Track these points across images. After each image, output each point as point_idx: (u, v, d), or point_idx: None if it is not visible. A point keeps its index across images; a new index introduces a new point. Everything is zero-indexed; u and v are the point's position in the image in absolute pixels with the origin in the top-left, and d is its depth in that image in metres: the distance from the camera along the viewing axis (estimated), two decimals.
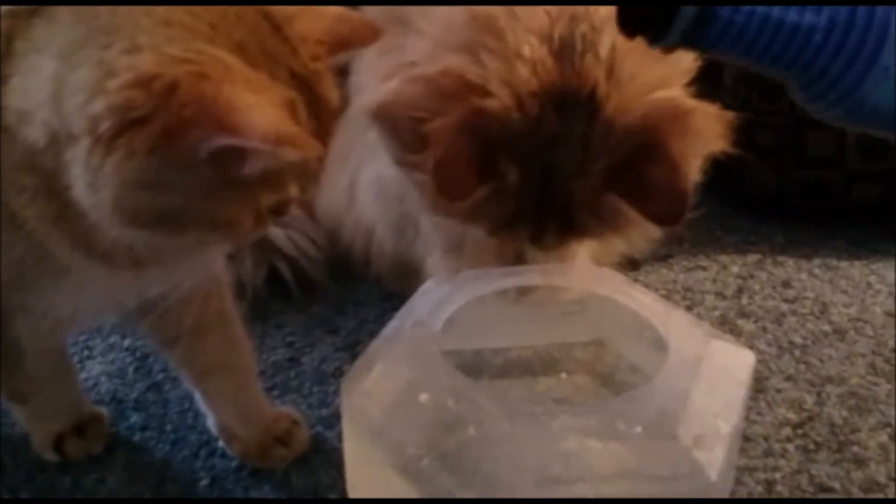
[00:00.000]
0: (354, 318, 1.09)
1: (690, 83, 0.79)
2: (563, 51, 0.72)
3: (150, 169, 0.55)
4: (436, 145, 0.69)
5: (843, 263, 1.18)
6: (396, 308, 0.85)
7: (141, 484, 0.86)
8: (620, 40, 0.72)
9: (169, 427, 0.92)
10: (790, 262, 1.19)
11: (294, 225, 1.15)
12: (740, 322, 1.08)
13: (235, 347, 0.85)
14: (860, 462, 0.88)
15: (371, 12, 0.86)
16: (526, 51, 0.72)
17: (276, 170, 0.59)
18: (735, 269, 1.18)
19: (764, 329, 1.07)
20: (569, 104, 0.71)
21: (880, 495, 0.84)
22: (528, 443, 0.68)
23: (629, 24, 0.63)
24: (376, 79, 0.84)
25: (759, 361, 0.96)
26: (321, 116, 0.63)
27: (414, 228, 1.01)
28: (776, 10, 0.59)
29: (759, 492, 0.84)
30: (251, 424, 0.87)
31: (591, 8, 0.76)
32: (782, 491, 0.84)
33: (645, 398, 0.71)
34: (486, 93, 0.71)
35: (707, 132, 0.76)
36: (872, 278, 1.15)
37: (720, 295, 1.13)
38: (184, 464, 0.88)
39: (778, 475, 0.86)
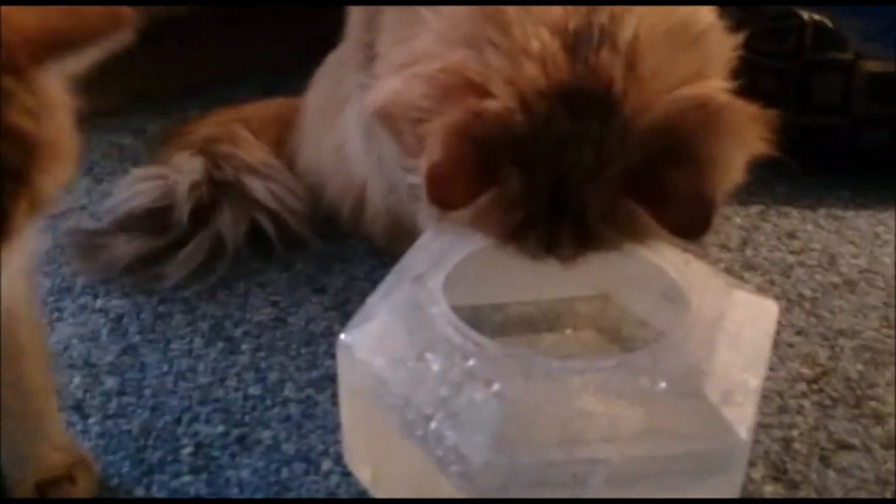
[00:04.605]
0: (342, 276, 1.03)
1: (730, 76, 0.71)
2: (578, 44, 0.64)
3: None
4: (430, 149, 0.62)
5: (850, 213, 1.14)
6: (386, 265, 0.80)
7: (119, 452, 0.80)
8: (645, 28, 0.65)
9: (148, 392, 0.86)
10: (794, 212, 1.14)
11: (273, 176, 1.09)
12: (746, 275, 1.03)
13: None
14: (879, 417, 0.84)
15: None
16: (534, 46, 0.64)
17: None
18: (738, 220, 1.13)
19: (771, 282, 1.02)
20: (581, 103, 0.63)
21: None
22: (546, 400, 0.63)
23: None
24: (385, 73, 0.77)
25: None
26: None
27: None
28: None
29: (776, 450, 0.80)
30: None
31: None
32: (800, 448, 0.81)
33: (668, 353, 0.66)
34: (486, 93, 0.64)
35: (742, 132, 0.68)
36: (880, 228, 1.11)
37: (724, 247, 1.08)
38: (165, 430, 0.82)
39: (795, 432, 0.82)
